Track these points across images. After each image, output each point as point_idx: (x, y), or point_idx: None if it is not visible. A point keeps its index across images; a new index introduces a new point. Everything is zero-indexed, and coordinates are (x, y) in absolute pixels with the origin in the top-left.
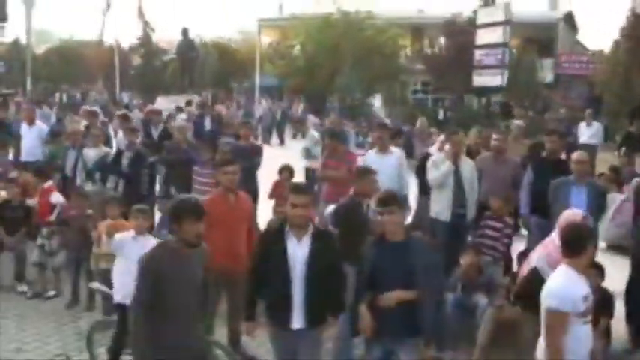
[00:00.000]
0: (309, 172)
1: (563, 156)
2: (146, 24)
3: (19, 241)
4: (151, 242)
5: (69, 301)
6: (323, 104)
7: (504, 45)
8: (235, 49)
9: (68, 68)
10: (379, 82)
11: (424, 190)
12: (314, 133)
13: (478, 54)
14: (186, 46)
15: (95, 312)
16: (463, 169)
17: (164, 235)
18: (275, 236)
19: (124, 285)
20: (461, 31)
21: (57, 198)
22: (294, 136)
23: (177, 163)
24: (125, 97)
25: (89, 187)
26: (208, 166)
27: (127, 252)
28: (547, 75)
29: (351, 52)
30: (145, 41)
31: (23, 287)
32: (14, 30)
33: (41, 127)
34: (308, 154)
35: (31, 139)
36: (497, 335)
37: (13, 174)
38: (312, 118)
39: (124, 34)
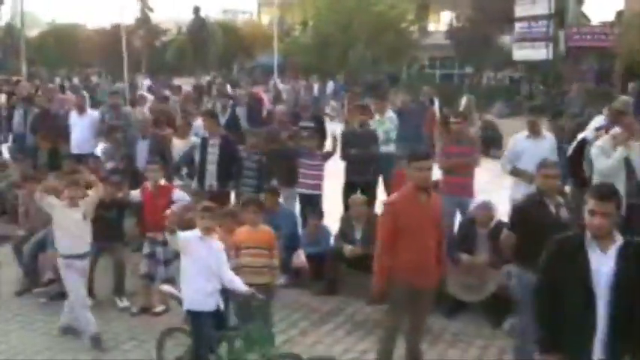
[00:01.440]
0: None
1: None
2: (144, 3)
3: (116, 247)
4: (216, 243)
5: None
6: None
7: (549, 17)
8: (238, 28)
9: (65, 52)
10: (392, 59)
11: (581, 182)
12: (392, 115)
13: (518, 26)
14: (198, 25)
15: None
16: (632, 155)
17: None
18: (573, 246)
19: (194, 291)
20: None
21: (181, 196)
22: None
23: (280, 154)
24: (146, 81)
25: (175, 182)
26: (317, 157)
27: (194, 253)
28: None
29: (364, 29)
30: (144, 22)
31: (124, 302)
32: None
33: (93, 115)
34: (388, 138)
35: (82, 130)
36: None
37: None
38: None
39: (121, 15)
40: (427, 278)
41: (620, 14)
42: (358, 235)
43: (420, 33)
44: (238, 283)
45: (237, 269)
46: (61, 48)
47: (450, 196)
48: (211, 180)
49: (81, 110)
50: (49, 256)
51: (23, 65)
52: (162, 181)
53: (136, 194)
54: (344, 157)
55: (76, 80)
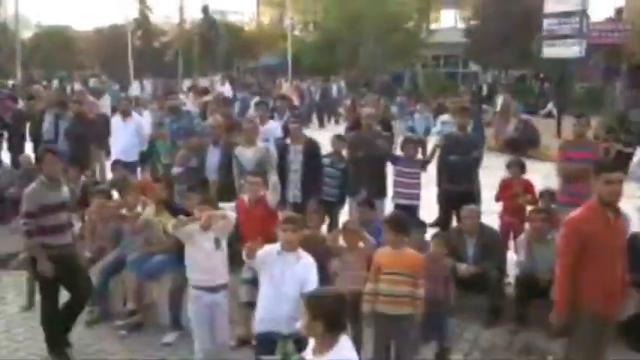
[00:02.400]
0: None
1: None
2: (142, 3)
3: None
4: (304, 258)
5: None
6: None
7: (582, 12)
8: (241, 27)
9: (61, 54)
10: (400, 57)
11: None
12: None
13: (547, 23)
14: (207, 24)
15: None
16: None
17: None
18: None
19: (269, 311)
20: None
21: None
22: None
23: (369, 160)
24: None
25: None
26: (416, 164)
27: (271, 270)
28: None
29: (374, 26)
30: (143, 22)
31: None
32: None
33: (139, 120)
34: None
35: (127, 136)
36: None
37: None
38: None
39: (126, 17)
40: (615, 307)
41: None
42: (470, 251)
43: (427, 31)
44: None
45: (373, 296)
46: (57, 50)
47: (569, 207)
48: (294, 191)
49: (126, 115)
50: (124, 281)
51: (18, 68)
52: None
53: (230, 209)
54: (442, 163)
55: (77, 85)
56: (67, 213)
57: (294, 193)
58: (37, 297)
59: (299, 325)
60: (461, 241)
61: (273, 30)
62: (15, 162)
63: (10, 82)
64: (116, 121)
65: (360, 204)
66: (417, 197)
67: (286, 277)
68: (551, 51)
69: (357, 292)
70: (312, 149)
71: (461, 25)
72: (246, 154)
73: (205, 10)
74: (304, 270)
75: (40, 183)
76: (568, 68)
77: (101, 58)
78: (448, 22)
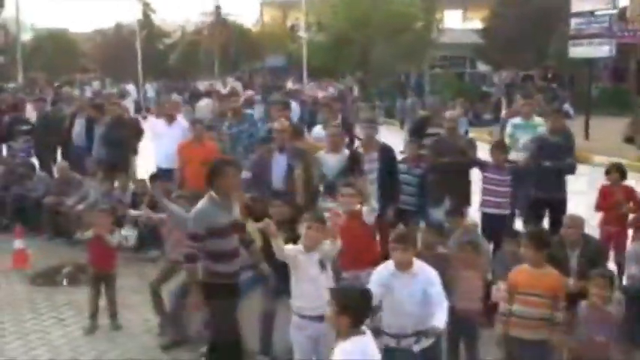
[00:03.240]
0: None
1: None
2: (146, 5)
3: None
4: (420, 274)
5: None
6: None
7: (613, 11)
8: (248, 28)
9: (63, 57)
10: (410, 58)
11: None
12: (539, 119)
13: (575, 22)
14: (220, 25)
15: None
16: None
17: None
18: None
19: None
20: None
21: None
22: None
23: (454, 166)
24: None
25: (327, 204)
26: (505, 170)
27: (390, 294)
28: None
29: (383, 27)
30: (146, 24)
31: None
32: None
33: (184, 125)
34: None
35: (172, 141)
36: None
37: None
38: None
39: (135, 19)
40: None
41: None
42: (574, 263)
43: (437, 31)
44: None
45: (506, 316)
46: (59, 53)
47: None
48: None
49: (171, 119)
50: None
51: (19, 71)
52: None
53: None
54: (532, 168)
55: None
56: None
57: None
58: (102, 318)
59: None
60: (563, 253)
61: (277, 31)
62: (45, 168)
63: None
64: (158, 124)
65: (449, 213)
66: (507, 206)
67: (404, 295)
68: (578, 50)
69: (472, 309)
70: (388, 155)
71: (468, 25)
72: (330, 161)
73: (218, 10)
74: (423, 286)
75: (209, 201)
76: (591, 68)
77: (105, 61)
78: (452, 22)
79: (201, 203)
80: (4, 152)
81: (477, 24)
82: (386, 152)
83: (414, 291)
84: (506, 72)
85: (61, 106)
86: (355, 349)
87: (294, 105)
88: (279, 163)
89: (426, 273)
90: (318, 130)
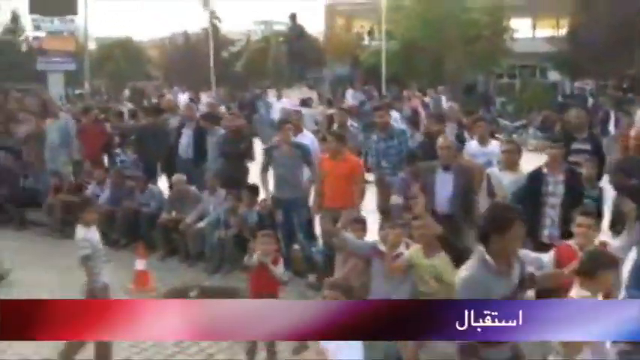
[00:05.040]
0: None
1: None
2: (212, 13)
3: None
4: None
5: None
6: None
7: None
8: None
9: (130, 66)
10: (482, 66)
11: None
12: None
13: None
14: (296, 32)
15: None
16: None
17: None
18: None
19: None
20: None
21: None
22: None
23: None
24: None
25: None
26: None
27: None
28: None
29: (458, 34)
30: (212, 31)
31: None
32: None
33: (311, 137)
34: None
35: None
36: None
37: None
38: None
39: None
40: None
41: None
42: None
43: (511, 40)
44: None
45: None
46: (127, 62)
47: None
48: (551, 230)
49: (297, 130)
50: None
51: (86, 79)
52: None
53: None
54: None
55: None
56: None
57: (550, 232)
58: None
59: None
60: None
61: (344, 39)
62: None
63: (77, 92)
64: None
65: None
66: None
67: None
68: None
69: None
70: (574, 179)
71: (538, 34)
72: (504, 179)
73: (293, 18)
74: None
75: (481, 264)
76: None
77: (173, 68)
78: (521, 31)
79: (471, 267)
80: (106, 162)
81: (547, 32)
82: (572, 175)
83: None
84: (591, 81)
85: (167, 116)
86: None
87: (397, 115)
88: (444, 183)
89: None
90: (474, 146)
